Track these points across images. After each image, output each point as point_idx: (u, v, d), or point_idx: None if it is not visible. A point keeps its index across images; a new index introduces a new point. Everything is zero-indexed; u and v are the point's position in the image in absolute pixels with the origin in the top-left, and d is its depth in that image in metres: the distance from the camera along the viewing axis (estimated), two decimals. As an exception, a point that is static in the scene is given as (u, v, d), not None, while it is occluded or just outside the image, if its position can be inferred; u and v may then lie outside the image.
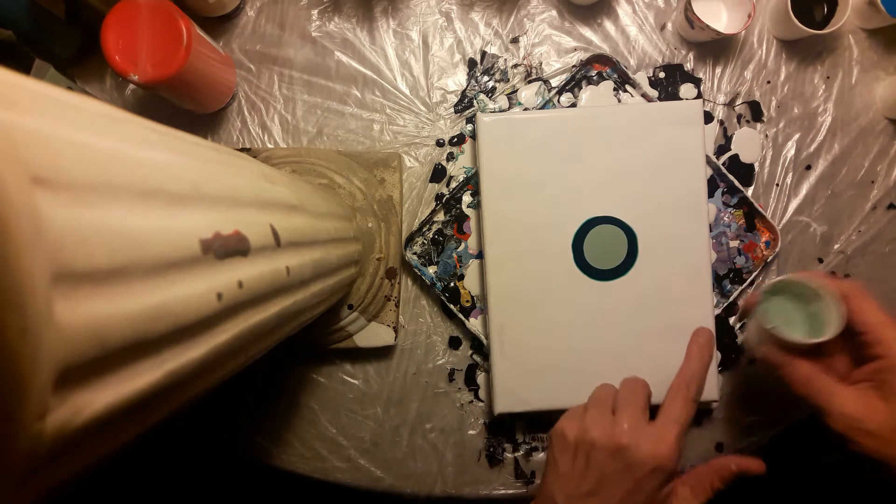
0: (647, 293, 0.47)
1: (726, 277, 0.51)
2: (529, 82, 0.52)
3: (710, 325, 0.46)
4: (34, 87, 0.14)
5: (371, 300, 0.48)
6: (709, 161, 0.50)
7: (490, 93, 0.52)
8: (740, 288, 0.50)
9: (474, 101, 0.52)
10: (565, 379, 0.47)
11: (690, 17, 0.48)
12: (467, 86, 0.52)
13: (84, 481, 0.15)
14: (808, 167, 0.52)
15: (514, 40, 0.52)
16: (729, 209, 0.51)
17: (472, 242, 0.51)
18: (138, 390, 0.14)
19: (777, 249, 0.50)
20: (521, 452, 0.51)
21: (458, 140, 0.52)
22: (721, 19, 0.51)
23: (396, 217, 0.49)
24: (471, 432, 0.51)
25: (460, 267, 0.51)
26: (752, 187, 0.52)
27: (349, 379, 0.51)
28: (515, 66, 0.52)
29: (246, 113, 0.52)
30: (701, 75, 0.52)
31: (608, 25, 0.52)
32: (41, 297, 0.11)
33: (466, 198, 0.51)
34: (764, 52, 0.53)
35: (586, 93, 0.52)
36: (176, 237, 0.16)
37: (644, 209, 0.47)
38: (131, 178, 0.15)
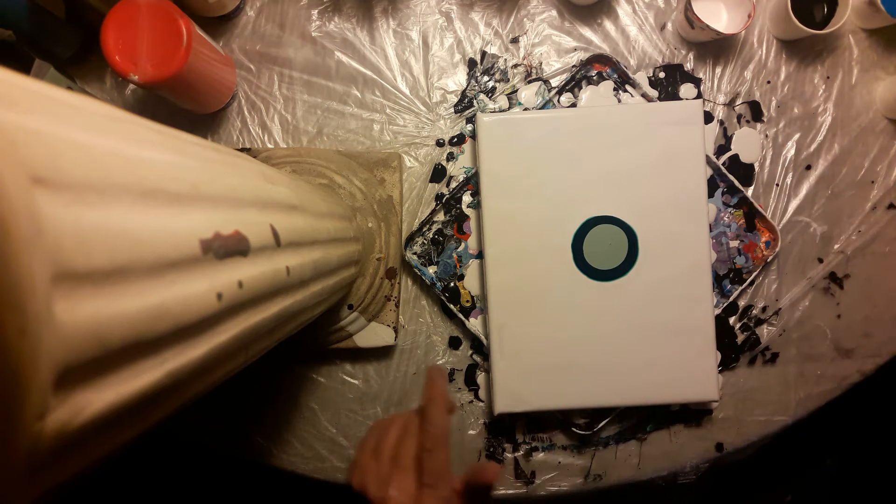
0: (647, 293, 0.47)
1: (726, 277, 0.51)
2: (529, 82, 0.52)
3: (710, 324, 0.47)
4: (34, 87, 0.14)
5: (371, 300, 0.48)
6: (709, 161, 0.50)
7: (490, 93, 0.52)
8: (740, 288, 0.50)
9: (474, 101, 0.52)
10: (565, 379, 0.47)
11: (690, 17, 0.48)
12: (467, 86, 0.52)
13: (85, 481, 0.15)
14: (808, 167, 0.52)
15: (514, 40, 0.52)
16: (729, 209, 0.51)
17: (472, 242, 0.51)
18: (138, 390, 0.14)
19: (777, 249, 0.50)
20: (521, 452, 0.51)
21: (458, 140, 0.52)
22: (721, 19, 0.51)
23: (396, 217, 0.49)
24: (471, 432, 0.51)
25: (460, 267, 0.51)
26: (752, 187, 0.52)
27: (349, 379, 0.51)
28: (515, 66, 0.52)
29: (246, 113, 0.52)
30: (701, 75, 0.52)
31: (608, 25, 0.52)
32: (41, 297, 0.11)
33: (466, 198, 0.51)
34: (764, 52, 0.53)
35: (586, 93, 0.52)
36: (176, 237, 0.16)
37: (644, 209, 0.47)
38: (131, 178, 0.15)
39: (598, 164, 0.47)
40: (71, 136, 0.13)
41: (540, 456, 0.51)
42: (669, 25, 0.53)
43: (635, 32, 0.52)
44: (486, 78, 0.52)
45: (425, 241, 0.51)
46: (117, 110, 0.17)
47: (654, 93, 0.51)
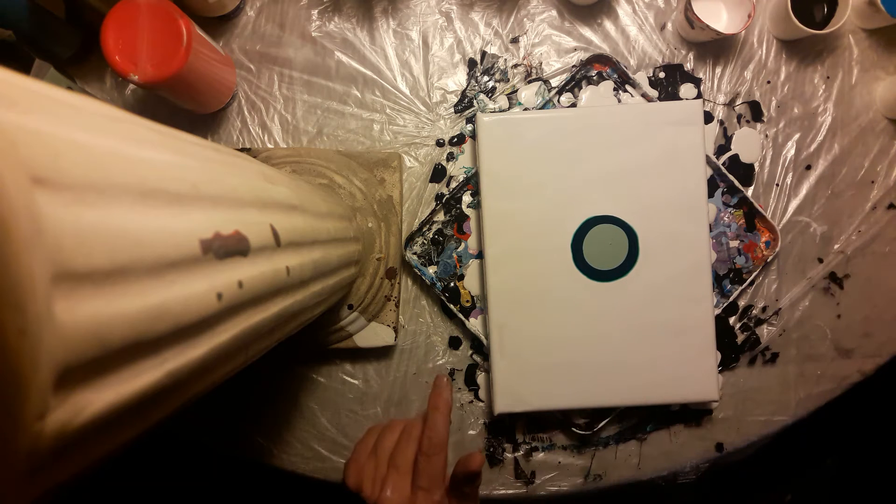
0: (647, 293, 0.47)
1: (726, 277, 0.51)
2: (529, 82, 0.52)
3: (710, 324, 0.47)
4: (34, 87, 0.14)
5: (371, 300, 0.48)
6: (709, 161, 0.50)
7: (490, 93, 0.52)
8: (740, 288, 0.50)
9: (474, 101, 0.52)
10: (565, 379, 0.47)
11: (690, 17, 0.48)
12: (467, 86, 0.52)
13: (85, 481, 0.15)
14: (808, 167, 0.52)
15: (514, 40, 0.52)
16: (729, 209, 0.51)
17: (472, 242, 0.51)
18: (138, 390, 0.14)
19: (777, 249, 0.50)
20: (521, 452, 0.51)
21: (458, 140, 0.52)
22: (721, 19, 0.51)
23: (396, 217, 0.49)
24: (471, 432, 0.51)
25: (460, 267, 0.51)
26: (752, 187, 0.52)
27: (349, 379, 0.51)
28: (515, 66, 0.52)
29: (246, 113, 0.52)
30: (701, 75, 0.52)
31: (608, 25, 0.52)
32: (41, 297, 0.11)
33: (466, 198, 0.51)
34: (764, 52, 0.53)
35: (586, 93, 0.52)
36: (176, 237, 0.16)
37: (644, 210, 0.47)
38: (131, 178, 0.15)
39: (598, 164, 0.47)
40: (71, 136, 0.13)
41: (540, 456, 0.51)
42: (669, 25, 0.53)
43: (635, 32, 0.52)
44: (486, 78, 0.52)
45: (425, 241, 0.51)
46: (117, 110, 0.17)
47: (654, 93, 0.51)
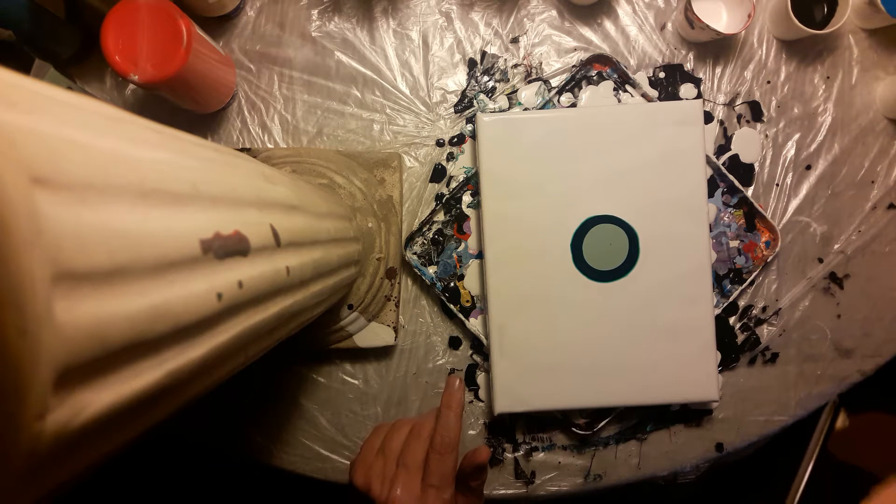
0: (647, 294, 0.47)
1: (726, 277, 0.51)
2: (529, 82, 0.52)
3: (710, 325, 0.47)
4: (34, 87, 0.14)
5: (371, 300, 0.48)
6: (709, 161, 0.50)
7: (490, 93, 0.52)
8: (740, 288, 0.50)
9: (474, 101, 0.52)
10: (565, 379, 0.47)
11: (690, 17, 0.48)
12: (467, 86, 0.52)
13: (85, 481, 0.15)
14: (808, 167, 0.52)
15: (514, 40, 0.52)
16: (729, 209, 0.51)
17: (472, 242, 0.51)
18: (138, 390, 0.14)
19: (777, 249, 0.50)
20: (521, 452, 0.51)
21: (458, 140, 0.52)
22: (721, 19, 0.51)
23: (396, 217, 0.49)
24: (471, 432, 0.51)
25: (460, 267, 0.51)
26: (752, 187, 0.52)
27: (349, 379, 0.51)
28: (515, 66, 0.52)
29: (246, 113, 0.52)
30: (701, 75, 0.52)
31: (608, 25, 0.52)
32: (41, 297, 0.11)
33: (466, 198, 0.51)
34: (764, 52, 0.53)
35: (586, 93, 0.52)
36: (176, 237, 0.16)
37: (644, 210, 0.47)
38: (131, 178, 0.15)
39: (599, 164, 0.47)
40: (71, 136, 0.13)
41: (540, 456, 0.51)
42: (669, 25, 0.53)
43: (635, 32, 0.52)
44: (486, 78, 0.52)
45: (425, 241, 0.51)
46: (117, 110, 0.17)
47: (654, 93, 0.51)
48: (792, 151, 0.52)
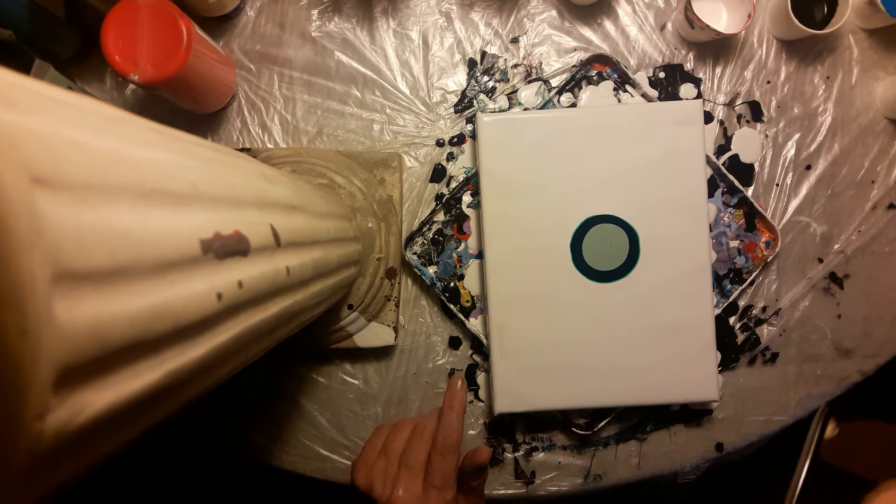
0: (647, 294, 0.47)
1: (726, 277, 0.51)
2: (529, 82, 0.52)
3: (710, 324, 0.47)
4: (34, 87, 0.14)
5: (371, 300, 0.48)
6: (709, 161, 0.50)
7: (490, 93, 0.52)
8: (740, 288, 0.50)
9: (474, 101, 0.52)
10: (565, 379, 0.47)
11: (690, 17, 0.48)
12: (467, 86, 0.52)
13: (86, 481, 0.15)
14: (808, 167, 0.52)
15: (514, 40, 0.52)
16: (729, 209, 0.51)
17: (472, 242, 0.51)
18: (138, 390, 0.14)
19: (777, 249, 0.50)
20: (521, 452, 0.51)
21: (458, 140, 0.52)
22: (721, 19, 0.51)
23: (396, 217, 0.49)
24: (471, 432, 0.51)
25: (460, 267, 0.51)
26: (752, 187, 0.52)
27: (349, 379, 0.51)
28: (515, 66, 0.52)
29: (246, 113, 0.52)
30: (701, 75, 0.52)
31: (608, 25, 0.52)
32: (41, 297, 0.11)
33: (466, 198, 0.51)
34: (764, 52, 0.53)
35: (586, 93, 0.52)
36: (176, 237, 0.16)
37: (644, 210, 0.47)
38: (131, 178, 0.15)
39: (599, 164, 0.47)
40: (71, 136, 0.13)
41: (540, 456, 0.51)
42: (669, 25, 0.53)
43: (635, 32, 0.52)
44: (486, 78, 0.52)
45: (425, 241, 0.51)
46: (117, 110, 0.17)
47: (654, 93, 0.51)
48: (792, 151, 0.52)
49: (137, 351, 0.14)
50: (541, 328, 0.47)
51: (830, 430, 0.57)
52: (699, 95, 0.52)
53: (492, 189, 0.47)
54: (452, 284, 0.51)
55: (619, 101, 0.52)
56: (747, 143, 0.52)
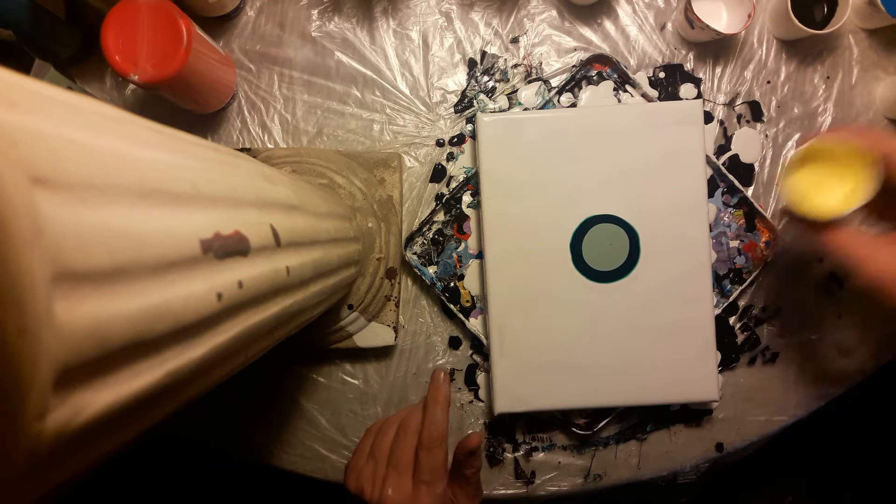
0: (647, 294, 0.47)
1: (726, 277, 0.51)
2: (529, 82, 0.52)
3: (710, 325, 0.47)
4: (34, 87, 0.14)
5: (371, 300, 0.48)
6: (709, 161, 0.50)
7: (490, 93, 0.52)
8: (740, 288, 0.50)
9: (474, 101, 0.52)
10: (565, 379, 0.47)
11: (690, 17, 0.48)
12: (467, 86, 0.52)
13: (86, 481, 0.15)
14: (808, 167, 0.52)
15: (514, 40, 0.52)
16: (729, 209, 0.51)
17: (472, 242, 0.51)
18: (138, 390, 0.14)
19: (777, 249, 0.50)
20: (521, 452, 0.51)
21: (458, 140, 0.52)
22: (721, 19, 0.51)
23: (396, 217, 0.49)
24: (471, 432, 0.51)
25: (460, 267, 0.51)
26: (752, 187, 0.52)
27: (349, 379, 0.51)
28: (515, 66, 0.52)
29: (246, 113, 0.52)
30: (701, 75, 0.52)
31: (608, 25, 0.52)
32: (41, 297, 0.11)
33: (466, 198, 0.51)
34: (764, 52, 0.53)
35: (586, 93, 0.52)
36: (176, 237, 0.16)
37: (644, 210, 0.47)
38: (131, 178, 0.15)
39: (599, 164, 0.47)
40: (71, 136, 0.13)
41: (540, 456, 0.51)
42: (669, 25, 0.53)
43: (635, 32, 0.52)
44: (486, 78, 0.52)
45: (425, 241, 0.51)
46: (117, 110, 0.17)
47: (654, 93, 0.51)
48: (792, 151, 0.52)
49: (137, 351, 0.14)
50: (541, 328, 0.47)
51: None
52: (699, 95, 0.52)
53: (492, 189, 0.47)
54: (452, 284, 0.51)
55: (619, 101, 0.52)
56: (747, 143, 0.52)
